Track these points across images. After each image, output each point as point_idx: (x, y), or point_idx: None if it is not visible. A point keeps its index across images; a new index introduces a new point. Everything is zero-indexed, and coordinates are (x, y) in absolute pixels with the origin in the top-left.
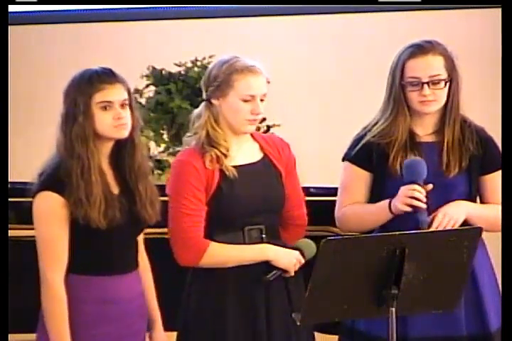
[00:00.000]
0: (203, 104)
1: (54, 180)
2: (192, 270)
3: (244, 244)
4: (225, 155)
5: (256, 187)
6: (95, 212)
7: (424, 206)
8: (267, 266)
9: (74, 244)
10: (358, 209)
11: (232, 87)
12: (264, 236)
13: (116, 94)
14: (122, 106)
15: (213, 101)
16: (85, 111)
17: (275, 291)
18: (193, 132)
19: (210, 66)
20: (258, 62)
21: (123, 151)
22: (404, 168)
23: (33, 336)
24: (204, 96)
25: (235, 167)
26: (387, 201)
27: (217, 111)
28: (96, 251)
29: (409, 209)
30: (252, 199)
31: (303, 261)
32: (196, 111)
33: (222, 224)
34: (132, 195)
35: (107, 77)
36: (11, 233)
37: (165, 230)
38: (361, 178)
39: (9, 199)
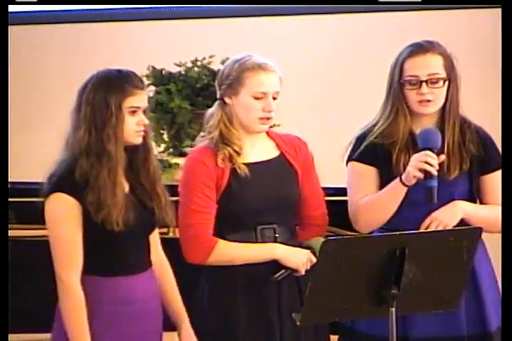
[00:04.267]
0: (216, 103)
1: (67, 181)
2: (204, 269)
3: (257, 243)
4: (238, 154)
5: (268, 185)
6: (115, 213)
7: (435, 172)
8: (277, 265)
9: (86, 245)
10: (371, 197)
11: (243, 85)
12: (277, 235)
13: (143, 100)
14: (143, 112)
15: (226, 99)
16: (117, 113)
17: (287, 290)
18: (207, 131)
19: (224, 65)
20: (270, 61)
21: (136, 155)
22: (418, 137)
23: (33, 336)
24: (217, 95)
25: (247, 164)
26: (398, 177)
27: (230, 110)
28: (108, 252)
29: (420, 174)
30: (263, 198)
31: (314, 259)
32: (210, 110)
33: (234, 223)
34: (147, 199)
35: (138, 82)
36: (11, 233)
37: (165, 230)
38: (369, 174)
39: (9, 199)
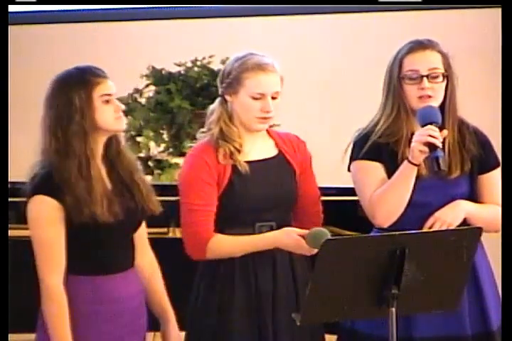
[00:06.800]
0: (217, 99)
1: (47, 183)
2: (200, 269)
3: None
4: (239, 151)
5: (268, 184)
6: (99, 207)
7: (440, 144)
8: (274, 262)
9: (70, 245)
10: (383, 188)
11: (242, 85)
12: None
13: (112, 87)
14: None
15: (227, 97)
16: (83, 106)
17: (283, 289)
18: (207, 128)
19: (227, 61)
20: (272, 60)
21: (111, 148)
22: (418, 115)
23: (34, 336)
24: (219, 92)
25: (248, 162)
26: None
27: (230, 107)
28: (90, 252)
29: (425, 148)
30: (263, 196)
31: (305, 244)
32: (211, 106)
33: (233, 220)
34: (128, 190)
35: (99, 71)
36: (11, 233)
37: (165, 230)
38: (377, 169)
39: (9, 199)
